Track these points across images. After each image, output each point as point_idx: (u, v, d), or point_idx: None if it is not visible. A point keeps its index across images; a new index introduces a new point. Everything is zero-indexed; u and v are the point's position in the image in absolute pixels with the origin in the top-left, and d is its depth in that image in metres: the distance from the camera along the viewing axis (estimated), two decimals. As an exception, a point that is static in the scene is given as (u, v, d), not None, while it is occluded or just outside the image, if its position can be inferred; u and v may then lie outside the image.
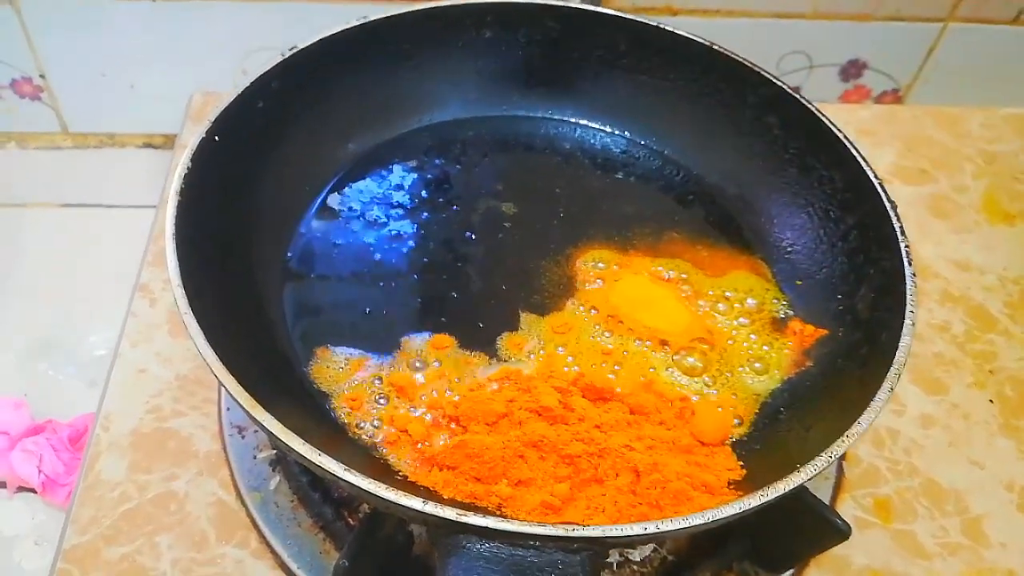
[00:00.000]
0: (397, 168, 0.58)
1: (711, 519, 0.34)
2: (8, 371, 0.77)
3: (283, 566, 0.46)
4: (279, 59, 0.52)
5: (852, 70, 0.99)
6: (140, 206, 0.92)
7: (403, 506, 0.33)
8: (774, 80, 0.55)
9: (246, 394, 0.36)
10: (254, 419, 0.35)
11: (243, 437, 0.51)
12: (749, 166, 0.57)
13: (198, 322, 0.38)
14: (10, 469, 0.70)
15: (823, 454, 0.37)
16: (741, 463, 0.43)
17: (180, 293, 0.39)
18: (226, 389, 0.36)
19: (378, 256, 0.53)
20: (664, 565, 0.48)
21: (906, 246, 0.45)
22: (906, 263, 0.44)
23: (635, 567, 0.48)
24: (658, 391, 0.46)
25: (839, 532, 0.42)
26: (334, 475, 0.34)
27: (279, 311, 0.48)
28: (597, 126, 0.62)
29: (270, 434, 0.35)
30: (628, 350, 0.48)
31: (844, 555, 0.50)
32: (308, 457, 0.34)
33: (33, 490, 0.70)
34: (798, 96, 0.54)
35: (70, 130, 0.96)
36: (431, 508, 0.33)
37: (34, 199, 0.92)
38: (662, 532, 0.33)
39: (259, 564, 0.47)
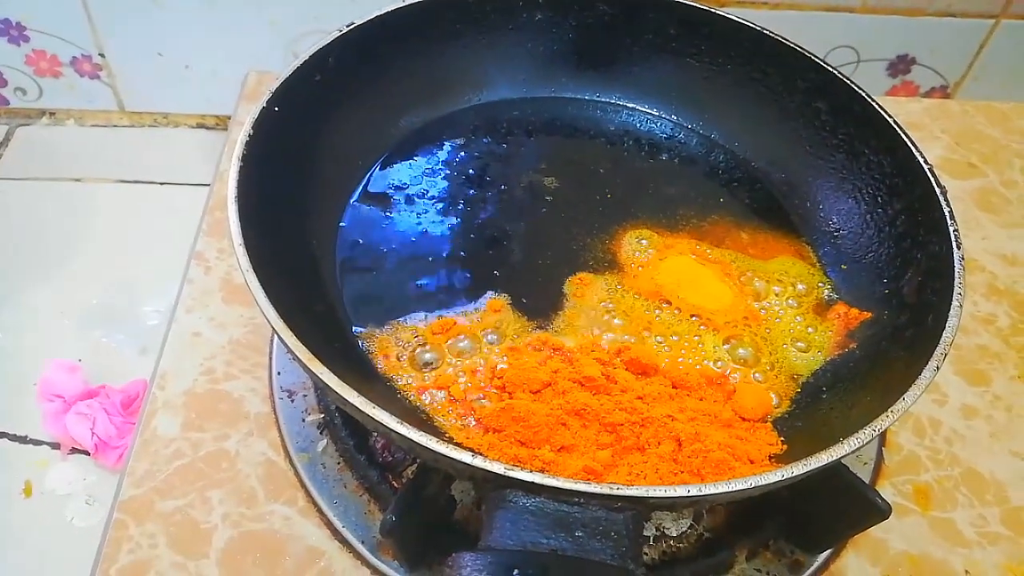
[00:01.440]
0: (446, 145, 0.59)
1: (753, 485, 0.34)
2: (65, 336, 0.80)
3: (329, 524, 0.48)
4: (336, 34, 0.53)
5: (900, 66, 0.98)
6: (192, 184, 0.94)
7: (454, 459, 0.34)
8: (825, 65, 0.55)
9: (305, 349, 0.37)
10: (311, 372, 0.36)
11: (292, 401, 0.53)
12: (796, 151, 0.57)
13: (259, 280, 0.39)
14: (64, 431, 0.73)
15: (867, 427, 0.37)
16: (782, 439, 0.43)
17: (242, 252, 0.40)
18: (285, 344, 0.37)
19: (425, 228, 0.54)
20: (701, 541, 0.49)
21: (955, 229, 0.45)
22: (955, 246, 0.44)
23: (672, 542, 0.49)
24: (700, 367, 0.47)
25: (879, 511, 0.42)
26: (387, 428, 0.35)
27: (332, 276, 0.50)
28: (644, 109, 0.63)
29: (327, 387, 0.36)
30: (672, 327, 0.49)
31: (882, 539, 0.50)
32: (363, 410, 0.35)
33: (86, 452, 0.73)
34: (850, 82, 0.54)
35: (126, 108, 0.99)
36: (480, 462, 0.34)
37: (90, 175, 0.95)
38: (704, 495, 0.34)
39: (306, 522, 0.48)
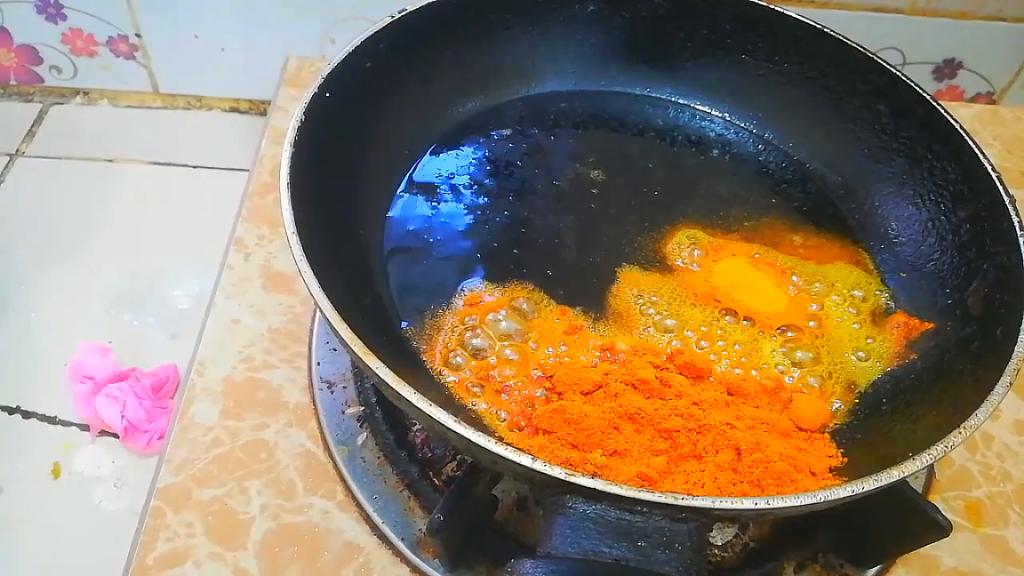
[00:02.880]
0: (493, 135, 0.58)
1: (823, 499, 0.33)
2: (96, 318, 0.80)
3: (368, 519, 0.47)
4: (388, 20, 0.52)
5: (947, 70, 0.96)
6: (225, 168, 0.94)
7: (512, 461, 0.33)
8: (888, 67, 0.53)
9: (360, 343, 0.36)
10: (367, 367, 0.35)
11: (332, 392, 0.52)
12: (853, 154, 0.56)
13: (312, 270, 0.38)
14: (94, 413, 0.73)
15: (939, 444, 0.36)
16: (841, 451, 0.42)
17: (295, 240, 0.39)
18: (339, 337, 0.36)
19: (472, 219, 0.53)
20: (746, 551, 0.48)
21: (1025, 240, 0.44)
22: (1025, 258, 0.43)
23: (716, 551, 0.48)
24: (756, 373, 0.45)
25: (939, 528, 0.41)
26: (444, 426, 0.34)
27: (380, 266, 0.49)
28: (695, 106, 0.61)
29: (383, 383, 0.35)
30: (727, 331, 0.47)
31: (933, 556, 0.49)
32: (420, 407, 0.34)
33: (115, 435, 0.73)
34: (912, 83, 0.52)
35: (160, 90, 0.99)
36: (540, 466, 0.33)
37: (123, 155, 0.95)
38: (773, 509, 0.33)
39: (345, 516, 0.47)
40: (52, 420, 0.74)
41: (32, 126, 0.96)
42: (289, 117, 0.46)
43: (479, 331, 0.46)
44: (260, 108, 0.99)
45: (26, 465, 0.71)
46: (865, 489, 0.34)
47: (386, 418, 0.50)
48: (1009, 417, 0.56)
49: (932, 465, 0.53)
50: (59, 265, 0.84)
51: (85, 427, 0.73)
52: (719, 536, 0.48)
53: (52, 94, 0.99)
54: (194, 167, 0.94)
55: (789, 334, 0.48)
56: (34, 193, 0.90)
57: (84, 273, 0.83)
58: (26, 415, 0.74)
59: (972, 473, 0.53)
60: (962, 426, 0.36)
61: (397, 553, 0.46)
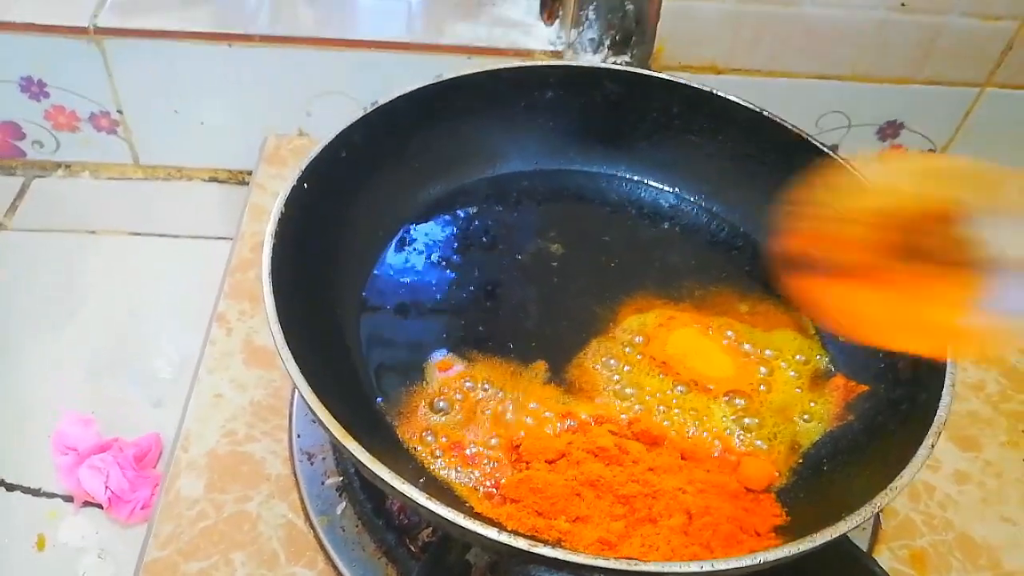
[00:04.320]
0: (460, 214, 0.62)
1: (762, 561, 0.37)
2: (78, 388, 0.82)
3: (348, 587, 0.50)
4: (362, 113, 0.56)
5: (889, 130, 1.02)
6: (205, 237, 0.97)
7: (479, 535, 0.36)
8: (820, 146, 0.58)
9: (338, 425, 0.39)
10: (347, 450, 0.38)
11: (312, 463, 0.55)
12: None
13: (294, 357, 0.41)
14: (78, 484, 0.74)
15: (867, 504, 0.39)
16: (785, 510, 0.45)
17: (277, 329, 0.42)
18: (320, 422, 0.40)
19: (440, 294, 0.57)
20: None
21: (947, 310, 0.48)
22: (946, 326, 0.47)
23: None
24: (707, 437, 0.49)
25: (878, 580, 0.44)
26: (416, 503, 0.37)
27: (357, 344, 0.52)
28: (649, 182, 0.66)
29: (361, 465, 0.38)
30: (680, 398, 0.51)
31: (880, 604, 0.52)
32: (395, 486, 0.37)
33: (98, 505, 0.74)
34: (843, 161, 0.57)
35: (141, 162, 1.02)
36: (506, 538, 0.36)
37: (104, 227, 0.97)
38: (717, 572, 0.36)
39: (325, 585, 0.50)
40: (36, 492, 0.75)
41: (15, 199, 0.98)
42: (267, 194, 0.49)
43: (449, 404, 0.50)
44: (239, 178, 1.02)
45: (10, 538, 0.72)
46: (800, 550, 0.37)
47: (364, 487, 0.53)
48: (949, 468, 0.60)
49: (878, 516, 0.56)
50: (42, 336, 0.86)
51: (69, 498, 0.75)
52: (680, 591, 0.51)
53: (34, 167, 1.02)
54: (174, 236, 0.97)
55: (738, 400, 0.51)
56: (17, 266, 0.92)
57: (67, 344, 0.85)
58: (10, 488, 0.75)
59: (916, 523, 0.57)
60: (888, 487, 0.40)
61: (376, 619, 0.49)
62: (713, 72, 0.87)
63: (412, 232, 0.60)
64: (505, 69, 0.61)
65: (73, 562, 0.71)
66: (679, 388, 0.52)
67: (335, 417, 0.39)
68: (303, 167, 0.51)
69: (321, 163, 0.53)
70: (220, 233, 0.95)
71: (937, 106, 1.00)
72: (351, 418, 0.43)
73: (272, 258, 0.46)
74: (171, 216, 0.98)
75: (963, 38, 0.91)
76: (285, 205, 0.49)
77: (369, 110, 0.56)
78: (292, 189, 0.50)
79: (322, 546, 0.51)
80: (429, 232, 0.60)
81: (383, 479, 0.37)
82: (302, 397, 0.40)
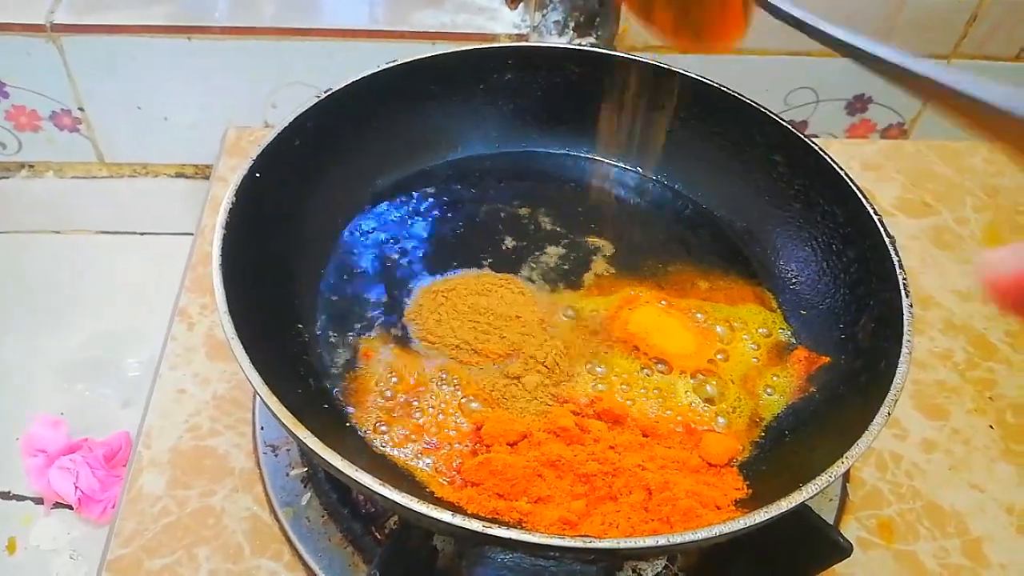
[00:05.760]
0: (418, 195, 0.61)
1: (718, 533, 0.37)
2: (47, 390, 0.81)
3: (314, 578, 0.49)
4: (314, 101, 0.55)
5: (858, 104, 1.02)
6: (172, 233, 0.96)
7: (434, 518, 0.36)
8: (779, 120, 0.58)
9: (290, 415, 0.39)
10: (297, 438, 0.38)
11: (276, 455, 0.54)
12: (756, 201, 0.60)
13: (244, 347, 0.41)
14: (48, 486, 0.74)
15: (823, 474, 0.39)
16: (748, 483, 0.45)
17: (227, 319, 0.42)
18: (270, 410, 0.39)
19: (399, 275, 0.56)
20: (676, 581, 0.51)
21: (904, 279, 0.48)
22: (904, 295, 0.47)
23: (648, 583, 0.51)
24: (669, 414, 0.49)
25: (840, 550, 0.44)
26: (371, 490, 0.37)
27: (314, 333, 0.51)
28: (611, 162, 0.65)
29: (312, 452, 0.38)
30: (642, 376, 0.51)
31: (848, 574, 0.52)
32: (347, 473, 0.37)
33: (69, 506, 0.74)
34: (802, 136, 0.57)
35: (106, 160, 1.01)
36: (459, 520, 0.36)
37: (70, 226, 0.96)
38: (672, 545, 0.36)
39: (291, 576, 0.50)
40: (6, 496, 0.74)
41: (-22, 202, 0.97)
42: (228, 187, 0.48)
43: (408, 390, 0.49)
44: (205, 173, 1.01)
45: (-19, 542, 0.71)
46: (757, 521, 0.37)
47: (329, 477, 0.52)
48: (916, 436, 0.60)
49: (846, 487, 0.56)
50: (10, 338, 0.85)
51: (39, 500, 0.74)
52: (650, 569, 0.51)
53: (-2, 169, 1.01)
54: (141, 234, 0.96)
55: (700, 376, 0.51)
56: (-18, 268, 0.91)
57: (35, 345, 0.85)
58: (-21, 492, 0.74)
59: (883, 492, 0.57)
60: (844, 455, 0.40)
61: (343, 608, 0.48)
62: (680, 51, 0.87)
63: (371, 217, 0.59)
64: (459, 52, 0.60)
65: (45, 564, 0.71)
66: (642, 367, 0.51)
67: (286, 406, 0.39)
68: (254, 156, 0.51)
69: (274, 152, 0.52)
70: (188, 229, 0.94)
71: (904, 79, 1.00)
72: (307, 407, 0.43)
73: (223, 248, 0.45)
74: (138, 213, 0.98)
75: (927, 10, 0.91)
76: (236, 195, 0.48)
77: (322, 97, 0.55)
78: (243, 179, 0.49)
79: (287, 537, 0.51)
80: (388, 216, 0.60)
81: (334, 465, 0.37)
82: (251, 383, 0.39)
